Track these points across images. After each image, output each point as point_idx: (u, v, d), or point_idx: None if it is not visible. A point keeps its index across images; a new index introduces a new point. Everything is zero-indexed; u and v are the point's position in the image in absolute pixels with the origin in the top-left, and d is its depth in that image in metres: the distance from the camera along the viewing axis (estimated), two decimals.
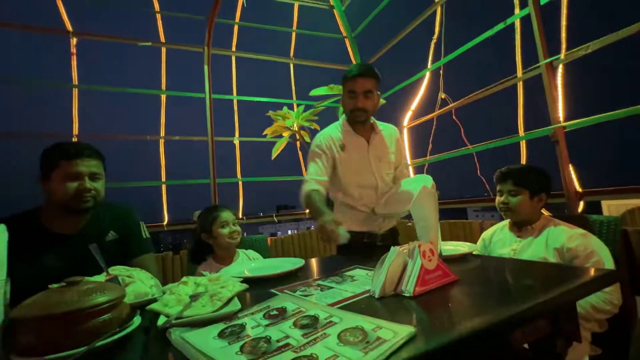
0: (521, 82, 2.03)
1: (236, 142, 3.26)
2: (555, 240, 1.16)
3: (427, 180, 1.17)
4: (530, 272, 0.85)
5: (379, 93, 1.36)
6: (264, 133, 3.07)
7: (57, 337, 0.50)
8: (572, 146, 1.80)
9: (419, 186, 1.15)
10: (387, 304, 0.67)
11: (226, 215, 1.45)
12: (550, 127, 1.74)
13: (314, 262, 1.19)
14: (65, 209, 1.03)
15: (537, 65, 1.83)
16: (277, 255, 2.57)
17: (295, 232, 2.87)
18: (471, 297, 0.67)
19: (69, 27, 2.68)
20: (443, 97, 2.59)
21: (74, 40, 2.69)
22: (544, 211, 1.35)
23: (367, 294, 0.71)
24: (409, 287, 0.68)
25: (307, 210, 1.44)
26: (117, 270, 0.87)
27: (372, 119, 1.43)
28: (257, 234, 2.04)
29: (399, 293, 0.69)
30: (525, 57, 2.02)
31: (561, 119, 1.72)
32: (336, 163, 1.37)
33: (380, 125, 1.47)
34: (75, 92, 2.69)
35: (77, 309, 0.51)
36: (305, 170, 1.42)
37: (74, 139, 2.61)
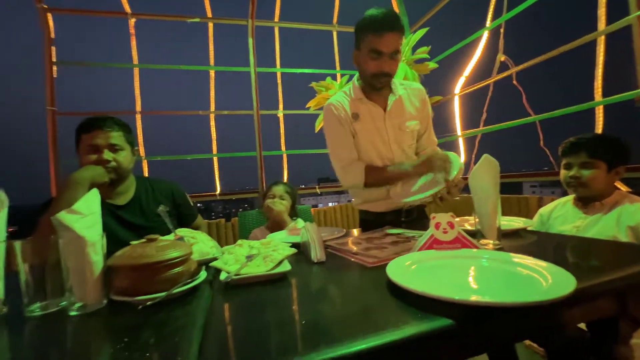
0: (603, 37, 1.75)
1: (280, 115, 3.32)
2: (631, 217, 1.04)
3: (456, 159, 1.01)
4: (595, 249, 0.78)
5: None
6: (307, 106, 3.07)
7: (142, 283, 0.59)
8: None
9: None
10: None
11: (275, 189, 1.61)
12: (638, 90, 1.49)
13: (355, 231, 1.22)
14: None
15: (628, 17, 1.54)
16: (319, 225, 2.66)
17: (337, 204, 2.92)
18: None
19: (128, 9, 2.87)
20: (502, 59, 2.32)
21: (132, 22, 2.88)
22: (618, 185, 1.20)
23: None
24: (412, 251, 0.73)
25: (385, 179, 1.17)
26: (182, 231, 0.99)
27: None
28: (300, 205, 2.13)
29: None
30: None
31: None
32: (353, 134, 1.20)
33: (401, 86, 1.23)
34: (136, 71, 2.92)
35: (156, 261, 0.60)
36: (334, 145, 1.22)
37: (137, 116, 2.87)
